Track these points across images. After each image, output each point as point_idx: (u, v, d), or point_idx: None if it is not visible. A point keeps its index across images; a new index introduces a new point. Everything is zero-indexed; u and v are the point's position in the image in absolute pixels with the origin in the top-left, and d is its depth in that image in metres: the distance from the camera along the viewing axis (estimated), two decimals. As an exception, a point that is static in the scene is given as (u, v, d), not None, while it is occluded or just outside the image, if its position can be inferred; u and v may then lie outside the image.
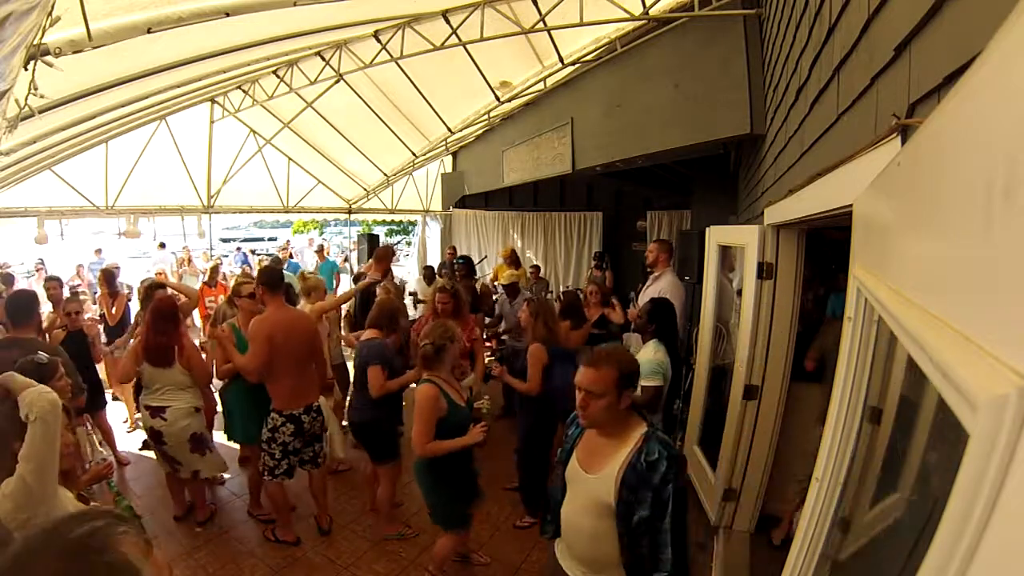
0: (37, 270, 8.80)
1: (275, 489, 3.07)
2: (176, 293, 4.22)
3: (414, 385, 2.80)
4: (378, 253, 4.96)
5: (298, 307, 4.14)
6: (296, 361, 2.99)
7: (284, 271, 4.38)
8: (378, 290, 4.34)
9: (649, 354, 2.97)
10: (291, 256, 10.84)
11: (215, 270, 6.74)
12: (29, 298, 3.13)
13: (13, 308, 2.99)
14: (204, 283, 6.43)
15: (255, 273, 8.20)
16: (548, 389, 3.19)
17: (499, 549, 3.12)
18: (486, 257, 9.23)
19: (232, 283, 4.83)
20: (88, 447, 2.35)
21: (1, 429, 1.58)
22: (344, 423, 4.04)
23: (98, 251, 10.45)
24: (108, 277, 5.36)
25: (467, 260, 6.37)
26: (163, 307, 3.10)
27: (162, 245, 10.84)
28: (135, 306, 4.94)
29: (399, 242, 18.37)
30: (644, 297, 4.04)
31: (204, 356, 3.41)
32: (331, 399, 3.99)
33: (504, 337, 5.30)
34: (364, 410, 3.12)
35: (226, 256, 13.05)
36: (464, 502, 2.64)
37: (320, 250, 9.86)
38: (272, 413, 2.99)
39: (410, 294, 6.44)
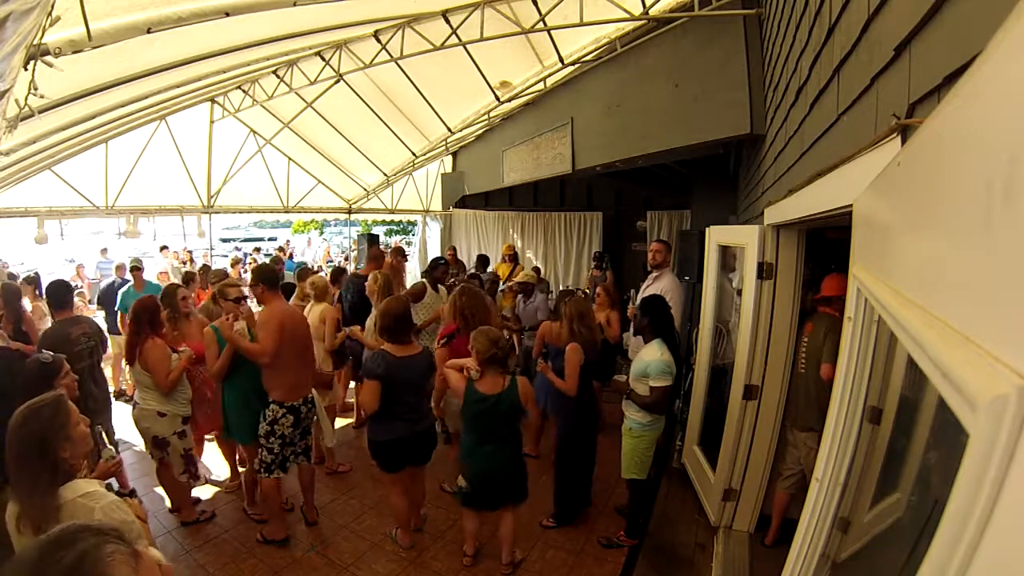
0: None
1: (270, 486, 3.09)
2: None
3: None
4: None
5: (307, 308, 4.19)
6: (297, 354, 3.12)
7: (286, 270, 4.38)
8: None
9: (656, 354, 2.93)
10: (291, 256, 10.84)
11: (206, 270, 6.31)
12: (65, 286, 3.76)
13: (55, 295, 3.58)
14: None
15: (246, 274, 8.19)
16: (585, 390, 3.19)
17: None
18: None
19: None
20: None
21: (42, 435, 1.53)
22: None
23: (104, 251, 10.30)
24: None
25: (482, 257, 7.20)
26: (141, 306, 3.16)
27: (164, 248, 10.80)
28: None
29: (401, 242, 18.37)
30: (644, 296, 4.04)
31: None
32: (326, 397, 3.97)
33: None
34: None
35: (225, 256, 13.00)
36: None
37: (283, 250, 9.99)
38: (272, 405, 3.04)
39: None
